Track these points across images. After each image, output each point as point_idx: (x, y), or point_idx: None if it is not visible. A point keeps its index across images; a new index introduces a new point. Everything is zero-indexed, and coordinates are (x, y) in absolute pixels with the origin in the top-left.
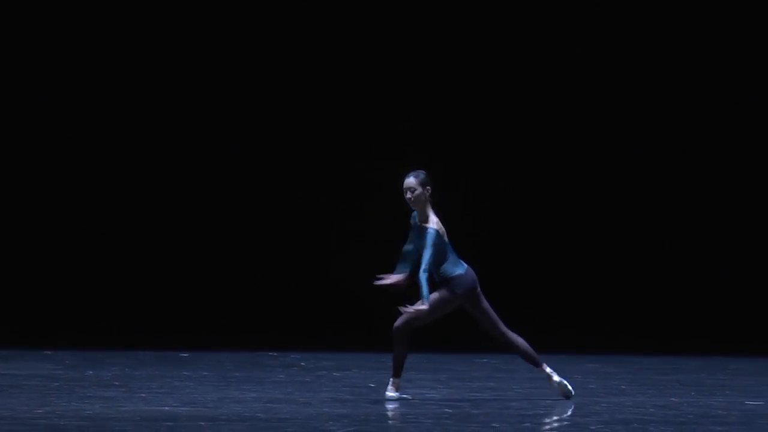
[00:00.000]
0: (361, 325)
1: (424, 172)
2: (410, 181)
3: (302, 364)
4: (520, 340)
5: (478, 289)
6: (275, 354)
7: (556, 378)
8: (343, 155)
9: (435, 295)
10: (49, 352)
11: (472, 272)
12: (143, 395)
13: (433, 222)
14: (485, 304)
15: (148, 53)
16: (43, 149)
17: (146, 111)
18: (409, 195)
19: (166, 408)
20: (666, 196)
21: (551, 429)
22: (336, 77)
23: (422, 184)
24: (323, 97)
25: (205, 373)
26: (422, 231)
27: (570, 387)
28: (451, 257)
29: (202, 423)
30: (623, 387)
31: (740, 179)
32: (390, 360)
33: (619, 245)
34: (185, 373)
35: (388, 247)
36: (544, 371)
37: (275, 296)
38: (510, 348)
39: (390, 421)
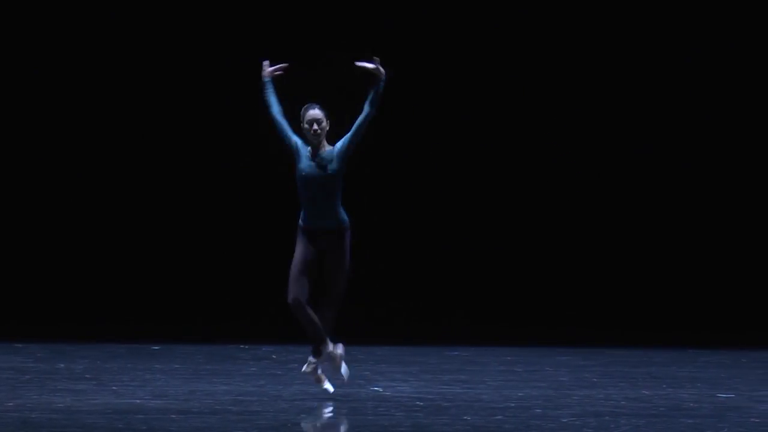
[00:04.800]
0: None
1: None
2: (320, 113)
3: (273, 356)
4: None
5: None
6: (246, 347)
7: (330, 351)
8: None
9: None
10: (20, 345)
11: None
12: (114, 388)
13: None
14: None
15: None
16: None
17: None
18: (316, 127)
19: (137, 401)
20: (635, 188)
21: (522, 422)
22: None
23: (327, 118)
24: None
25: (176, 365)
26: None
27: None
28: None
29: (174, 416)
30: (595, 380)
31: (709, 175)
32: None
33: (588, 237)
34: (156, 365)
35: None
36: (325, 350)
37: (248, 288)
38: (321, 312)
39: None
